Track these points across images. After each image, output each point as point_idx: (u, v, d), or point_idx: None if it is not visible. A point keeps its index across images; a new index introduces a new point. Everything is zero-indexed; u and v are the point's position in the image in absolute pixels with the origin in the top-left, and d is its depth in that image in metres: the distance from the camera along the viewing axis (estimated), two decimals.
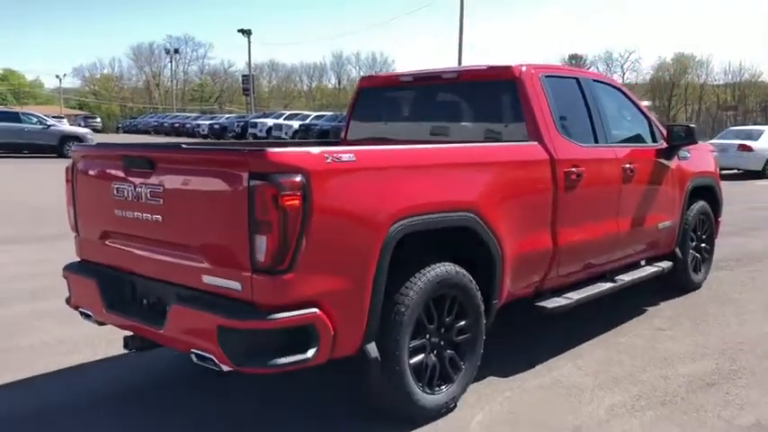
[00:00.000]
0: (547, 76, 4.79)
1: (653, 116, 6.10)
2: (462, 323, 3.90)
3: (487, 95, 4.92)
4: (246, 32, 53.63)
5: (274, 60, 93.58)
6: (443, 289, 3.74)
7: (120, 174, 3.66)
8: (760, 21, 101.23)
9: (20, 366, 4.53)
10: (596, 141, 5.11)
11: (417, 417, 3.68)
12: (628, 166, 5.27)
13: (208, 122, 47.72)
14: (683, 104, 74.15)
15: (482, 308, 3.98)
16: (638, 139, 5.81)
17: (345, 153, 3.29)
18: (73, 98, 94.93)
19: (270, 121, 38.73)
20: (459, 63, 32.69)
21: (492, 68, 4.88)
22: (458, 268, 3.81)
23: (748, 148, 20.42)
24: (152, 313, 3.60)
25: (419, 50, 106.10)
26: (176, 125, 50.38)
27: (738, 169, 20.82)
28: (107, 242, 3.87)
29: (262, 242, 3.02)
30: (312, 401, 4.04)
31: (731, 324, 5.60)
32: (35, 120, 26.42)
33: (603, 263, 5.24)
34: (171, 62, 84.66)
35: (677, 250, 6.22)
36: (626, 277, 5.46)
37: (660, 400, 4.07)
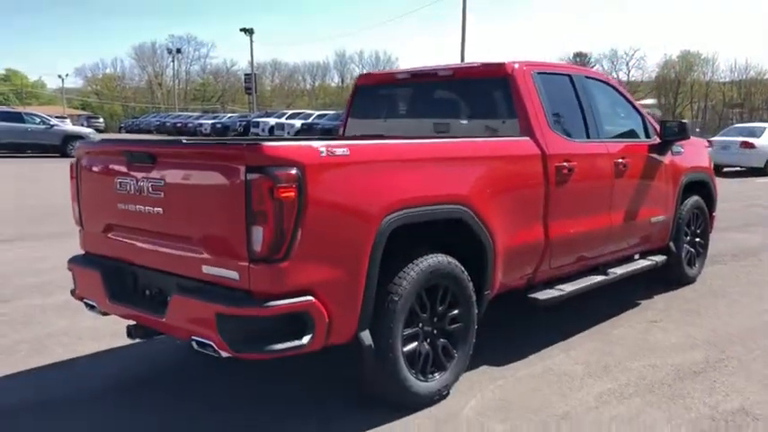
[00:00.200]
0: (539, 73, 4.90)
1: (646, 112, 6.20)
2: (455, 312, 4.01)
3: (481, 92, 5.04)
4: (249, 32, 53.87)
5: (277, 59, 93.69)
6: (436, 279, 3.85)
7: (123, 169, 3.78)
8: (766, 18, 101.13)
9: (27, 358, 4.66)
10: (588, 137, 5.21)
11: (411, 403, 3.79)
12: (620, 161, 5.38)
13: (210, 122, 47.96)
14: (689, 102, 73.96)
15: (474, 298, 4.09)
16: (631, 134, 5.92)
17: (339, 147, 3.40)
18: (76, 98, 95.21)
19: (272, 121, 38.90)
20: (462, 61, 32.76)
21: (485, 65, 4.99)
22: (450, 259, 3.92)
23: (751, 146, 20.51)
24: (154, 303, 3.72)
25: (423, 49, 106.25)
26: (179, 124, 50.57)
27: (741, 166, 20.91)
28: (110, 235, 4.00)
29: (258, 233, 3.14)
30: (312, 389, 4.15)
31: (723, 316, 5.71)
32: (38, 120, 26.60)
33: (596, 256, 5.35)
34: (173, 62, 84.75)
35: (671, 244, 6.32)
36: (619, 270, 5.57)
37: (648, 387, 4.18)
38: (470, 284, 4.06)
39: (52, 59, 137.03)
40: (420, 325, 3.84)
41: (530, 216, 4.59)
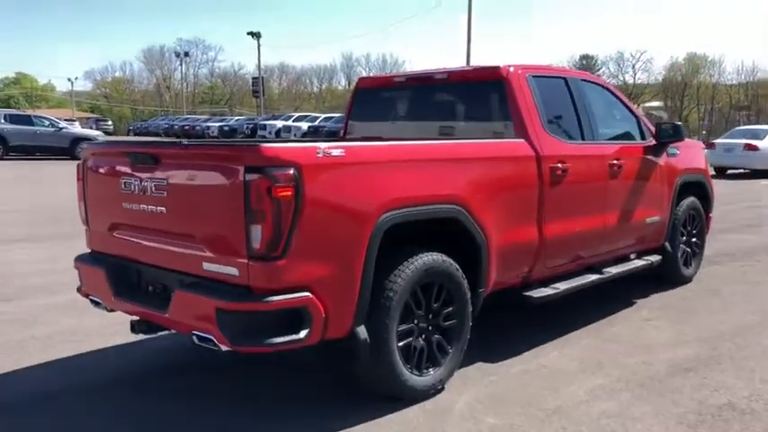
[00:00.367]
0: (534, 76, 5.01)
1: (641, 114, 6.30)
2: (449, 309, 4.12)
3: (477, 95, 5.16)
4: (256, 35, 54.04)
5: (284, 63, 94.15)
6: (430, 277, 3.97)
7: (128, 169, 3.91)
8: None
9: (37, 354, 4.79)
10: (583, 138, 5.32)
11: (405, 396, 3.91)
12: (615, 162, 5.48)
13: (217, 124, 48.26)
14: (696, 104, 73.87)
15: (468, 296, 4.20)
16: (626, 136, 6.02)
17: (335, 148, 3.53)
18: (85, 101, 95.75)
19: (279, 123, 39.16)
20: (468, 64, 32.85)
21: (481, 69, 5.12)
22: (444, 257, 4.04)
23: (754, 148, 20.55)
24: (157, 299, 3.86)
25: (430, 52, 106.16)
26: (186, 127, 50.91)
27: (745, 168, 20.96)
28: (115, 234, 4.13)
29: (257, 231, 3.27)
30: (310, 385, 4.28)
31: (716, 315, 5.80)
32: (47, 123, 26.87)
33: (591, 255, 5.45)
34: (181, 65, 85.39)
35: (667, 244, 6.42)
36: (614, 269, 5.68)
37: (639, 383, 4.28)
38: (465, 282, 4.17)
39: (62, 63, 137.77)
40: (415, 321, 3.96)
41: (524, 216, 4.69)
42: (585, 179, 5.23)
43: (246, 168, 3.27)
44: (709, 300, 6.28)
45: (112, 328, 5.09)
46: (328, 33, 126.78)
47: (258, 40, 54.42)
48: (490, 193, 4.36)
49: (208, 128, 47.98)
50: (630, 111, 6.15)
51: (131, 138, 51.74)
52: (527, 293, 4.83)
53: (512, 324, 5.47)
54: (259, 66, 58.00)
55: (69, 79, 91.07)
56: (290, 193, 3.27)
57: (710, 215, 7.20)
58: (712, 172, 20.46)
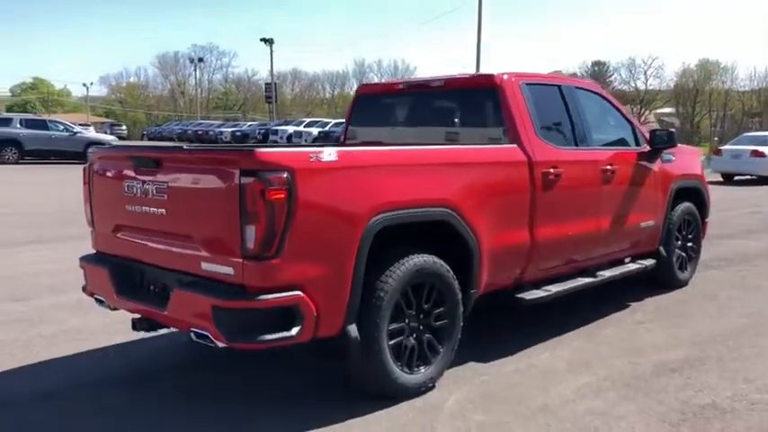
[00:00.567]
0: (528, 84, 5.13)
1: (636, 121, 6.41)
2: (440, 310, 4.25)
3: (472, 102, 5.30)
4: (269, 41, 54.50)
5: (297, 68, 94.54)
6: (421, 277, 4.10)
7: (131, 173, 4.09)
8: None
9: (43, 352, 4.96)
10: (576, 144, 5.44)
11: (396, 394, 4.04)
12: (608, 167, 5.59)
13: (230, 130, 48.60)
14: (708, 111, 73.56)
15: (459, 296, 4.33)
16: (620, 142, 6.13)
17: (328, 153, 3.68)
18: (100, 106, 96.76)
19: (290, 129, 39.42)
20: (477, 70, 32.98)
21: (476, 77, 5.28)
22: (435, 258, 4.17)
23: (761, 154, 20.53)
24: (157, 297, 4.02)
25: (442, 58, 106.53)
26: (199, 132, 51.29)
27: (751, 175, 20.94)
28: (119, 235, 4.30)
29: (251, 232, 3.42)
30: (305, 384, 4.42)
31: (710, 318, 5.89)
32: (62, 127, 27.26)
33: (584, 259, 5.56)
34: (195, 70, 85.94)
35: (661, 249, 6.51)
36: (607, 273, 5.78)
37: (625, 382, 4.39)
38: (456, 283, 4.30)
39: (77, 68, 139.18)
40: (406, 320, 4.09)
41: (516, 220, 4.81)
42: (578, 184, 5.34)
43: (242, 172, 3.43)
44: (704, 303, 6.37)
45: (116, 326, 5.25)
46: (341, 39, 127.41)
47: (271, 47, 54.87)
48: (482, 196, 4.49)
49: (221, 133, 48.33)
50: (625, 117, 6.27)
51: (145, 142, 52.19)
52: (519, 295, 4.95)
53: (504, 326, 5.58)
54: (272, 72, 58.49)
55: (85, 84, 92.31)
56: (282, 195, 3.42)
57: (707, 220, 7.28)
58: (719, 178, 20.82)
